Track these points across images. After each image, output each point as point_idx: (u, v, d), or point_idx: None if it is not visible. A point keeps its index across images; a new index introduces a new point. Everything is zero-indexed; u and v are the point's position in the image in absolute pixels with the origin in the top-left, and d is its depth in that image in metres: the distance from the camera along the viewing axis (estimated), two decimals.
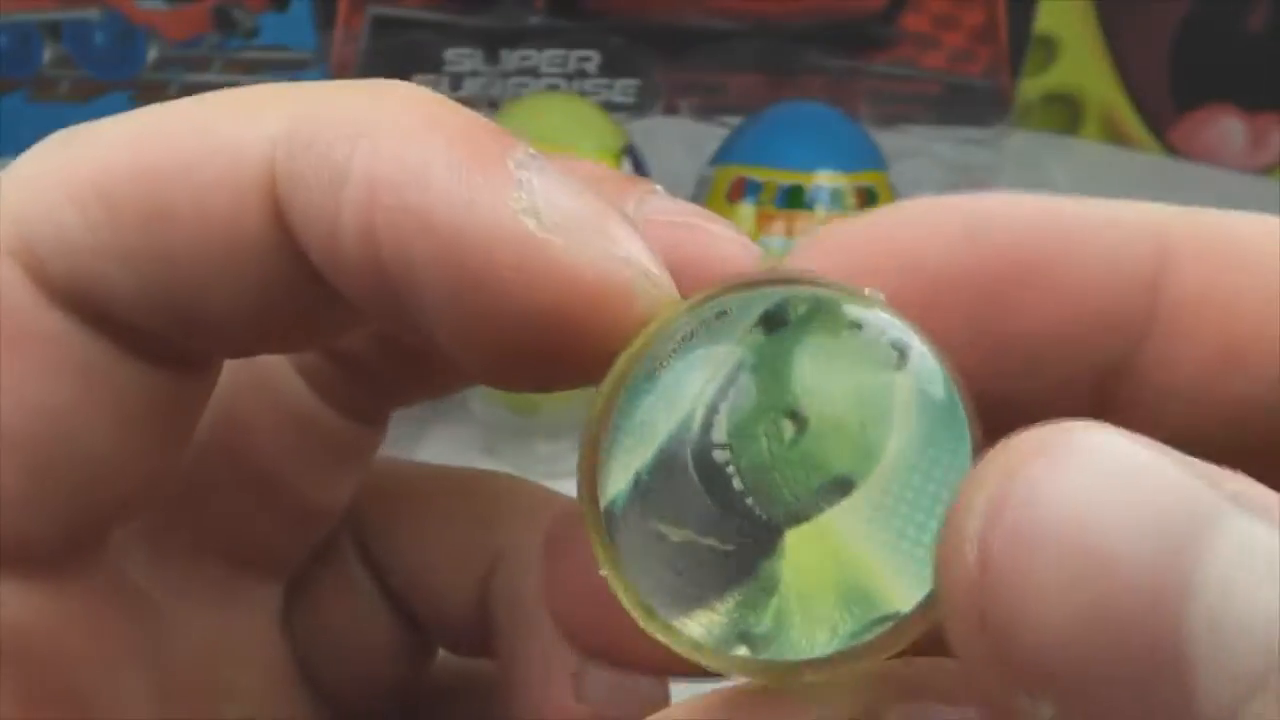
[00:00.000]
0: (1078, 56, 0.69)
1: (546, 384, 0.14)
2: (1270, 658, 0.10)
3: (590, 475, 0.13)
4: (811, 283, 0.14)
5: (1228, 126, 0.68)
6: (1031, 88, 0.69)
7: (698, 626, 0.13)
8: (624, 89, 0.62)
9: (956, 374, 0.13)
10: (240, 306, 0.15)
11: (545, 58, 0.62)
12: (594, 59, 0.62)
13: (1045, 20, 0.68)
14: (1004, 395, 0.15)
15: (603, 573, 0.13)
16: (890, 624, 0.13)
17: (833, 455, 0.13)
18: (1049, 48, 0.69)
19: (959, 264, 0.15)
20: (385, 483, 0.21)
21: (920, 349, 0.13)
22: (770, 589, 0.13)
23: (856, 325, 0.13)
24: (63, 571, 0.16)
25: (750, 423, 0.13)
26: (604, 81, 0.62)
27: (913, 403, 0.13)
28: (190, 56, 0.62)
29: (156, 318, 0.15)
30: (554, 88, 0.62)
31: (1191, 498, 0.11)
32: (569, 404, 0.45)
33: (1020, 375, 0.15)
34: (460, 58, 0.62)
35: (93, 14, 0.61)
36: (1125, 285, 0.15)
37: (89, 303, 0.15)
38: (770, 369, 0.13)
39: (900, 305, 0.14)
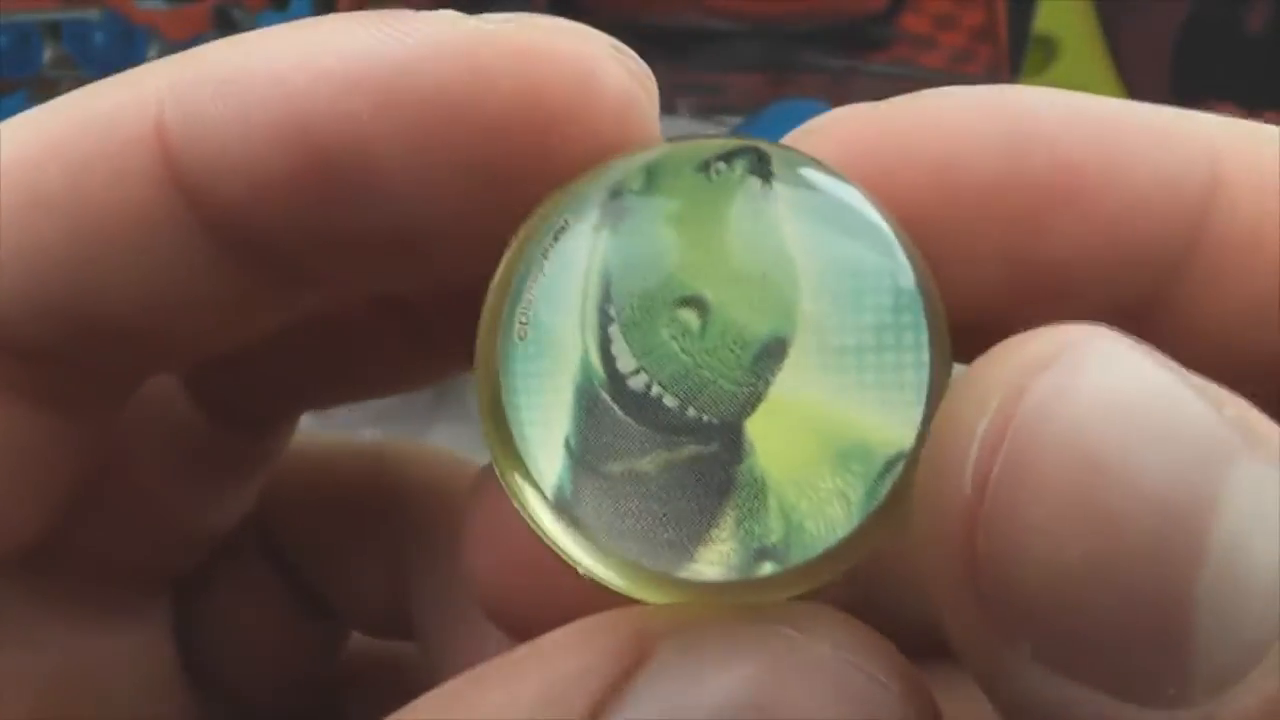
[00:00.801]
0: (1078, 56, 0.69)
1: (512, 205, 0.13)
2: (1272, 626, 0.10)
3: (490, 341, 0.12)
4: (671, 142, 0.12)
5: None
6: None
7: (709, 566, 0.12)
8: None
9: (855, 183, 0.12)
10: (139, 296, 0.13)
11: None
12: None
13: (1045, 20, 0.68)
14: (1019, 323, 0.13)
15: (582, 571, 0.12)
16: (901, 462, 0.11)
17: (750, 321, 0.12)
18: (1049, 48, 0.69)
19: (996, 178, 0.13)
20: (285, 464, 0.20)
21: (786, 162, 0.12)
22: (761, 490, 0.12)
23: (705, 166, 0.12)
24: None
25: (649, 330, 0.12)
26: None
27: (810, 229, 0.12)
28: None
29: (43, 328, 0.13)
30: None
31: (1209, 435, 0.10)
32: None
33: (1044, 304, 0.13)
34: None
35: (93, 14, 0.61)
36: (1171, 214, 0.13)
37: None
38: (633, 251, 0.12)
39: (920, 218, 0.12)
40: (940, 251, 0.13)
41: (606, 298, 0.12)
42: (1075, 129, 0.13)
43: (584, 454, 0.12)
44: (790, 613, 0.12)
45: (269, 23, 0.67)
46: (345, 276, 0.14)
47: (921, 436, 0.11)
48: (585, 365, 0.12)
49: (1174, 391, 0.10)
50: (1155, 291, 0.13)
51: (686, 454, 0.12)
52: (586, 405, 0.12)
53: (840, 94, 0.60)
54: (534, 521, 0.12)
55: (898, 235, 0.12)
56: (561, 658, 0.12)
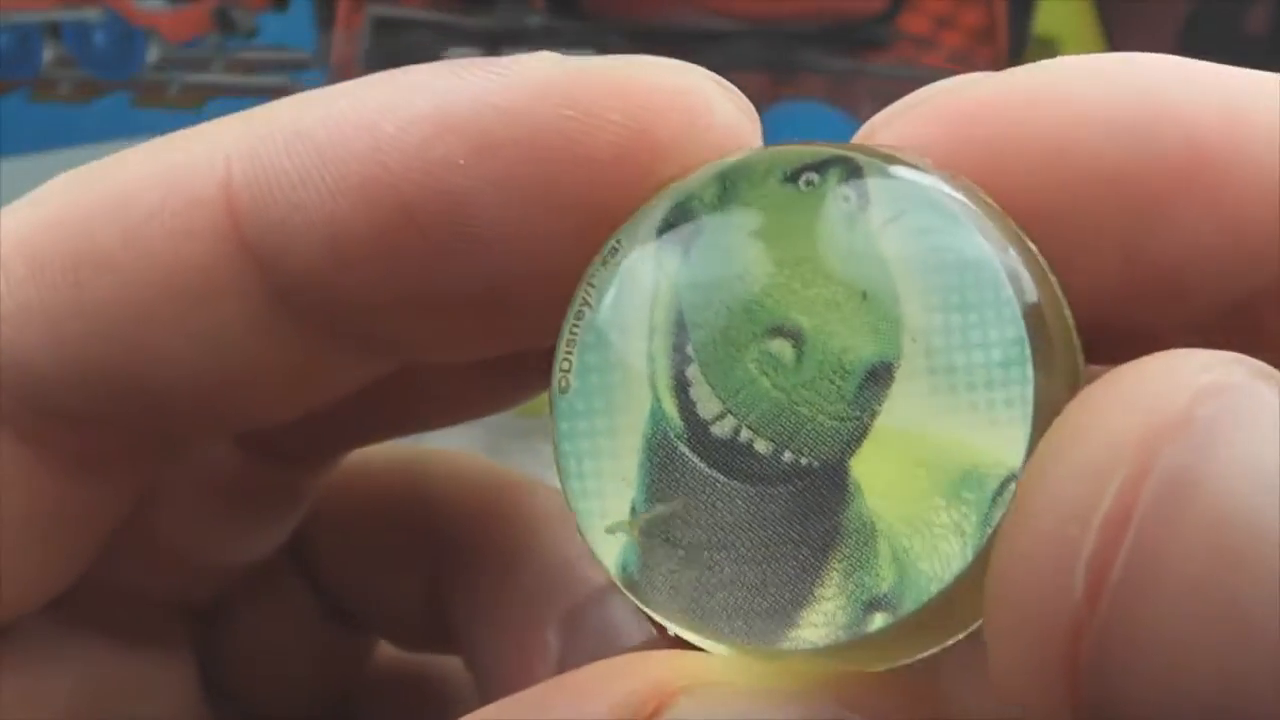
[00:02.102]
0: None
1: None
2: None
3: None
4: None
5: None
6: None
7: (813, 629, 0.10)
8: None
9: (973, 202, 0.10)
10: (195, 363, 0.13)
11: None
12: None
13: (1045, 21, 0.68)
14: (1128, 322, 0.12)
15: (672, 633, 0.11)
16: (1014, 483, 0.10)
17: (851, 346, 0.10)
18: (1049, 48, 0.69)
19: (1120, 162, 0.11)
20: None
21: (881, 169, 0.10)
22: (868, 535, 0.10)
23: (792, 178, 0.11)
24: None
25: (734, 366, 0.10)
26: None
27: (911, 242, 0.10)
28: (190, 56, 0.62)
29: (88, 392, 0.13)
30: None
31: None
32: None
33: (1158, 299, 0.12)
34: (460, 58, 0.62)
35: (93, 14, 0.61)
36: None
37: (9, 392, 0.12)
38: (711, 275, 0.10)
39: (1033, 208, 0.11)
40: (1053, 246, 0.11)
41: (680, 332, 0.11)
42: (1201, 103, 0.12)
43: (656, 521, 0.10)
44: (841, 681, 0.11)
45: (269, 24, 0.67)
46: (428, 343, 0.13)
47: (1030, 454, 0.10)
48: (656, 414, 0.10)
49: None
50: (1273, 285, 0.12)
51: (784, 506, 0.10)
52: (659, 461, 0.10)
53: (841, 94, 0.60)
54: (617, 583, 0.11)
55: (1005, 233, 0.11)
56: (578, 703, 0.11)
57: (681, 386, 0.10)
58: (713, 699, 0.11)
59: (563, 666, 0.17)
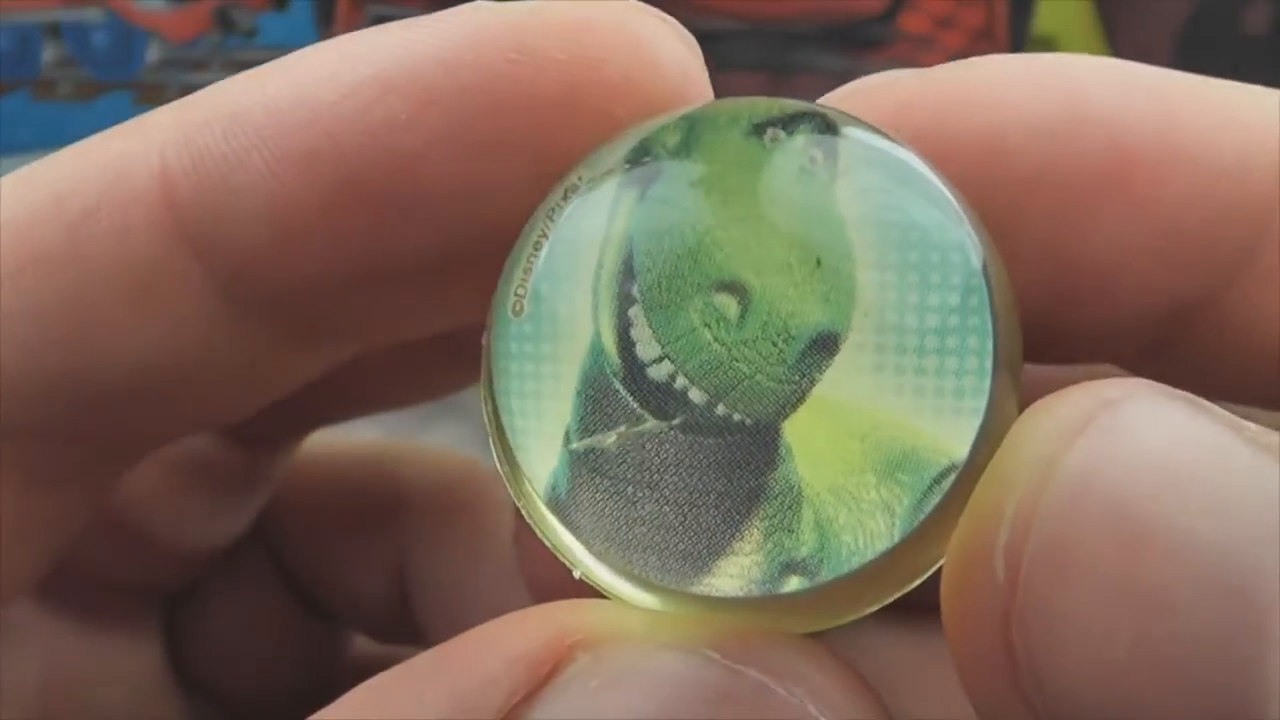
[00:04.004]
0: None
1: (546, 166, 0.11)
2: None
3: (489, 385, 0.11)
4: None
5: None
6: None
7: (727, 579, 0.10)
8: None
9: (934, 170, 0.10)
10: (142, 363, 0.12)
11: None
12: None
13: (1045, 21, 0.68)
14: (1056, 322, 0.12)
15: (577, 574, 0.11)
16: (954, 474, 0.10)
17: (798, 312, 0.10)
18: (1049, 48, 0.69)
19: (1044, 162, 0.11)
20: (287, 467, 0.19)
21: (852, 131, 0.10)
22: (795, 500, 0.10)
23: (757, 131, 0.10)
24: None
25: (677, 314, 0.10)
26: None
27: (875, 212, 0.10)
28: (190, 56, 0.62)
29: (36, 401, 0.12)
30: None
31: (1271, 497, 0.08)
32: None
33: (1087, 304, 0.12)
34: None
35: (93, 14, 0.61)
36: (1235, 204, 0.11)
37: None
38: (664, 221, 0.10)
39: (974, 201, 0.11)
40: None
41: (628, 273, 0.10)
42: (1131, 107, 0.11)
43: (588, 450, 0.11)
44: (751, 639, 0.11)
45: (270, 24, 0.67)
46: (381, 323, 0.13)
47: (978, 446, 0.10)
48: (596, 349, 0.11)
49: (1228, 449, 0.09)
50: (1210, 290, 0.12)
51: (712, 456, 0.10)
52: (594, 395, 0.11)
53: None
54: (530, 516, 0.11)
55: (965, 212, 0.10)
56: (475, 661, 0.11)
57: (624, 326, 0.10)
58: (613, 655, 0.11)
59: None
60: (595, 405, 0.11)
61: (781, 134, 0.10)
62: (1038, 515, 0.09)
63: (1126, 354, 0.12)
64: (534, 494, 0.11)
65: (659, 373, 0.10)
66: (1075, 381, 0.10)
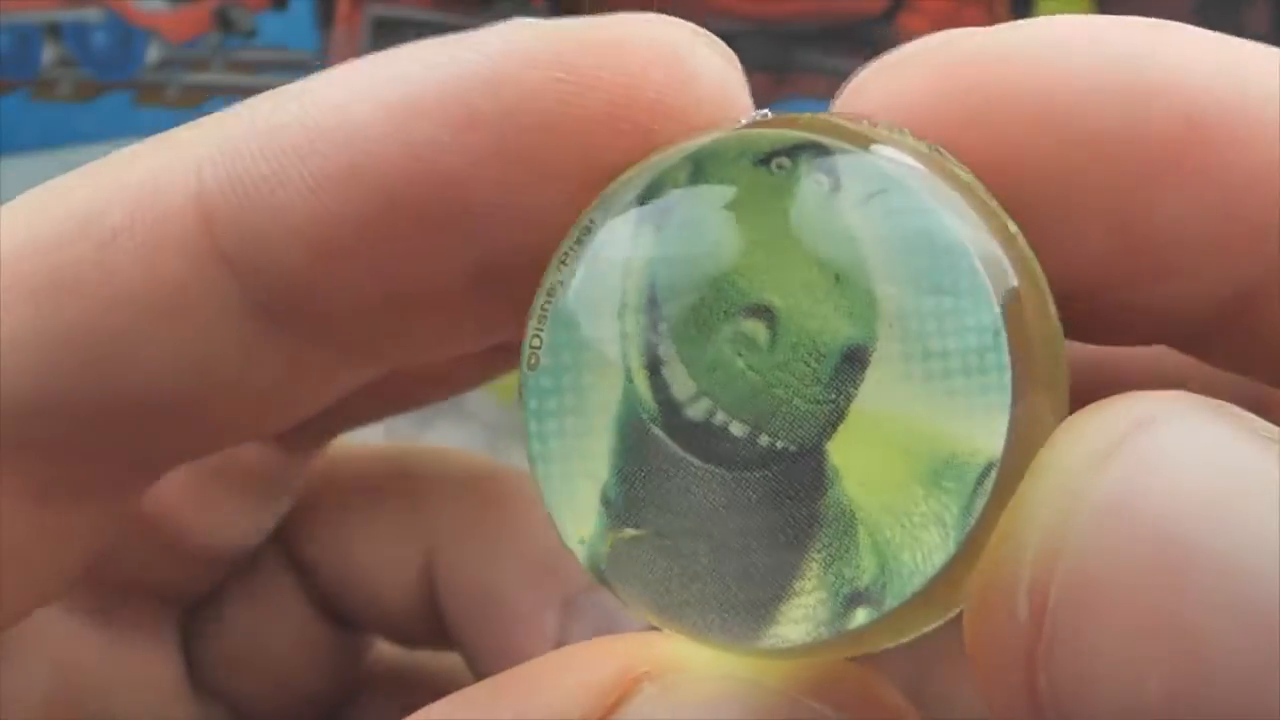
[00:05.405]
0: None
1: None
2: None
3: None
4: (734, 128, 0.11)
5: None
6: None
7: (792, 626, 0.10)
8: None
9: (951, 189, 0.10)
10: (170, 383, 0.12)
11: None
12: None
13: None
14: (1111, 301, 0.11)
15: (653, 625, 0.10)
16: (994, 472, 0.10)
17: (825, 329, 0.10)
18: None
19: (1110, 130, 0.11)
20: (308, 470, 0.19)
21: (854, 154, 0.10)
22: (850, 524, 0.10)
23: (764, 162, 0.10)
24: None
25: (708, 346, 0.10)
26: None
27: (884, 224, 0.10)
28: (190, 56, 0.62)
29: (58, 421, 0.12)
30: None
31: None
32: None
33: (1144, 279, 0.11)
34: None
35: (93, 14, 0.61)
36: None
37: None
38: (684, 251, 0.10)
39: (1015, 175, 0.10)
40: (1033, 214, 0.11)
41: (654, 310, 0.10)
42: (1202, 72, 0.11)
43: (629, 508, 0.10)
44: (818, 674, 0.10)
45: (269, 24, 0.67)
46: (416, 343, 0.13)
47: (1010, 441, 0.10)
48: (628, 395, 0.10)
49: (1272, 472, 0.08)
50: (1271, 275, 0.11)
51: (760, 491, 0.10)
52: (632, 445, 0.10)
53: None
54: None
55: (985, 215, 0.10)
56: (542, 691, 0.11)
57: (654, 366, 0.10)
58: (679, 688, 0.10)
59: (560, 644, 0.17)
60: (633, 455, 0.10)
61: (786, 161, 0.10)
62: (1064, 551, 0.08)
63: (1184, 336, 0.11)
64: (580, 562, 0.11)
65: (697, 411, 0.10)
66: (1131, 373, 0.10)
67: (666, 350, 0.10)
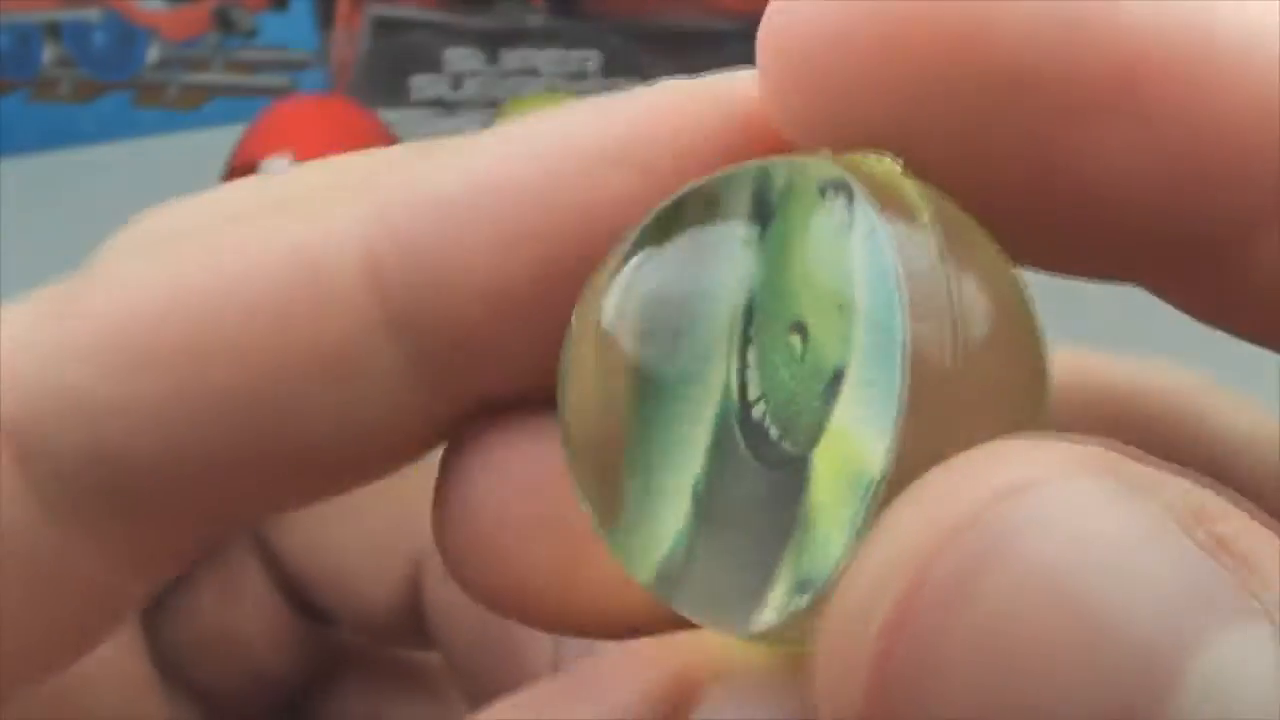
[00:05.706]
0: None
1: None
2: None
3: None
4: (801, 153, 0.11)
5: None
6: None
7: (770, 612, 0.10)
8: (624, 89, 0.62)
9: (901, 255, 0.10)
10: (317, 443, 0.12)
11: (545, 58, 0.62)
12: (594, 59, 0.62)
13: None
14: (1053, 233, 0.11)
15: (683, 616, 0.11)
16: (878, 485, 0.10)
17: (828, 352, 0.11)
18: None
19: (1034, 61, 0.10)
20: None
21: (865, 194, 0.10)
22: (811, 524, 0.11)
23: (820, 191, 0.11)
24: None
25: (768, 353, 0.11)
26: (604, 82, 0.62)
27: (860, 274, 0.11)
28: (190, 56, 0.62)
29: (184, 485, 0.12)
30: (554, 88, 0.62)
31: (1189, 597, 0.07)
32: None
33: (1080, 217, 0.11)
34: (460, 58, 0.62)
35: (93, 14, 0.61)
36: (1265, 144, 0.10)
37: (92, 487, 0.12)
38: (772, 265, 0.11)
39: (937, 95, 0.11)
40: (956, 147, 0.11)
41: (749, 315, 0.11)
42: (1149, 15, 0.10)
43: (712, 502, 0.11)
44: None
45: (270, 24, 0.67)
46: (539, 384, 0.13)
47: (891, 457, 0.10)
48: (726, 392, 0.11)
49: (1149, 534, 0.07)
50: (1242, 231, 0.10)
51: (776, 490, 0.11)
52: (720, 441, 0.11)
53: None
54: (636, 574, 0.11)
55: (946, 263, 0.11)
56: (608, 693, 0.11)
57: (744, 367, 0.11)
58: (745, 692, 0.10)
59: (557, 654, 0.17)
60: (720, 451, 0.11)
61: (833, 194, 0.11)
62: (906, 634, 0.08)
63: (1156, 278, 0.11)
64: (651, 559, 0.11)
65: (758, 411, 0.11)
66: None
67: (752, 353, 0.11)
